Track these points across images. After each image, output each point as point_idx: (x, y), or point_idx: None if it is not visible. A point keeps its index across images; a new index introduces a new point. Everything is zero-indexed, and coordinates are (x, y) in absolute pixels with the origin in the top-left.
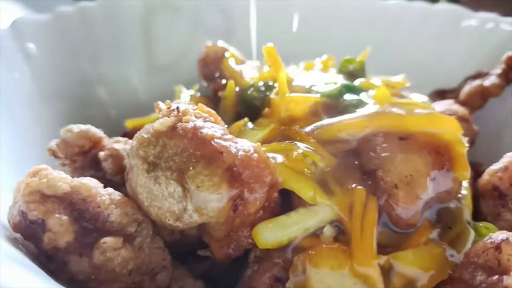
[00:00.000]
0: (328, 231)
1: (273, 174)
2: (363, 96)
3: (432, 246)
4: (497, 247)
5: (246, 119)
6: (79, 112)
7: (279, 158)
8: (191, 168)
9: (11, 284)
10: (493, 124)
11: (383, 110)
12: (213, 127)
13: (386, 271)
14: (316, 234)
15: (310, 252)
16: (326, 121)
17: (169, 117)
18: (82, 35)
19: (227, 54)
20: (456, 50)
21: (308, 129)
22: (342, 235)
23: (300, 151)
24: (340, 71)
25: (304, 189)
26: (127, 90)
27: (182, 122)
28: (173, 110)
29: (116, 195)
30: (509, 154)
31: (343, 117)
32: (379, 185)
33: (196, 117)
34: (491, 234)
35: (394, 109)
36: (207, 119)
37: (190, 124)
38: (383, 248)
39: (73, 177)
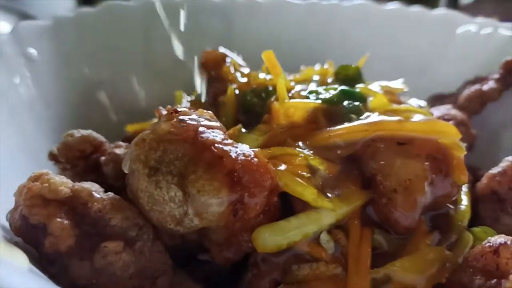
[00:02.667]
0: (324, 238)
1: (273, 178)
2: (362, 101)
3: (429, 251)
4: (496, 251)
5: (239, 125)
6: (80, 116)
7: (281, 162)
8: (191, 172)
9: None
10: (492, 129)
11: (382, 117)
12: (213, 132)
13: (383, 283)
14: (315, 241)
15: (307, 281)
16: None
17: (169, 122)
18: (83, 40)
19: (227, 60)
20: (454, 55)
21: (306, 136)
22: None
23: (302, 155)
24: (337, 77)
25: (307, 191)
26: (128, 95)
27: (182, 127)
28: (173, 115)
29: (117, 199)
30: (507, 159)
31: (342, 125)
32: (379, 190)
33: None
34: (489, 238)
35: (393, 116)
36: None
37: (191, 129)
38: (381, 256)
39: (74, 181)
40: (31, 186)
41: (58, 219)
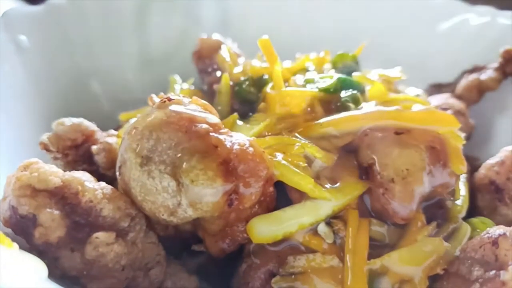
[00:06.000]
0: (322, 229)
1: (269, 168)
2: (359, 90)
3: (427, 242)
4: (494, 242)
5: (235, 114)
6: (71, 105)
7: (277, 152)
8: (185, 162)
9: (12, 285)
10: (490, 118)
11: (379, 106)
12: (207, 121)
13: (380, 274)
14: (312, 232)
15: (303, 271)
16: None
17: (163, 110)
18: (75, 27)
19: (222, 47)
20: (453, 43)
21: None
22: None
23: (298, 145)
24: (334, 65)
25: (304, 181)
26: (121, 83)
27: (176, 115)
28: (166, 103)
29: (109, 189)
30: (505, 148)
31: (340, 114)
32: (376, 179)
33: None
34: (488, 229)
35: (391, 105)
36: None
37: (184, 117)
38: (378, 247)
39: (65, 171)
40: (20, 176)
41: (48, 210)
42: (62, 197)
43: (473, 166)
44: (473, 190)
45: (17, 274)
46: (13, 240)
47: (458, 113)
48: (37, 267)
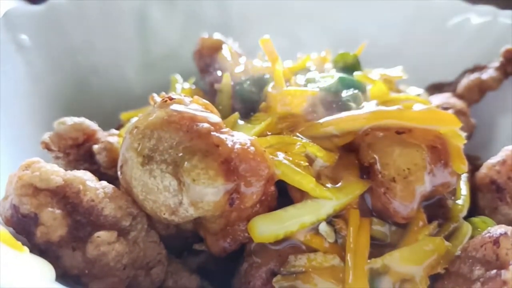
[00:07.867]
0: (324, 228)
1: (270, 167)
2: (360, 89)
3: (428, 241)
4: (496, 241)
5: (236, 114)
6: (72, 104)
7: (278, 151)
8: (186, 161)
9: (12, 285)
10: (491, 118)
11: (380, 105)
12: (209, 120)
13: (381, 273)
14: (313, 231)
15: (304, 271)
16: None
17: (164, 109)
18: (76, 26)
19: (223, 47)
20: (454, 43)
21: (303, 125)
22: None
23: (300, 144)
24: (335, 65)
25: (305, 180)
26: (122, 82)
27: (177, 115)
28: (168, 102)
29: (110, 188)
30: (506, 148)
31: (341, 114)
32: (377, 179)
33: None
34: (489, 228)
35: (392, 104)
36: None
37: (186, 117)
38: (379, 246)
39: (66, 170)
40: (21, 175)
41: (50, 209)
42: (64, 196)
43: (474, 165)
44: (474, 189)
45: (19, 275)
46: (15, 239)
47: (459, 113)
48: (44, 270)
